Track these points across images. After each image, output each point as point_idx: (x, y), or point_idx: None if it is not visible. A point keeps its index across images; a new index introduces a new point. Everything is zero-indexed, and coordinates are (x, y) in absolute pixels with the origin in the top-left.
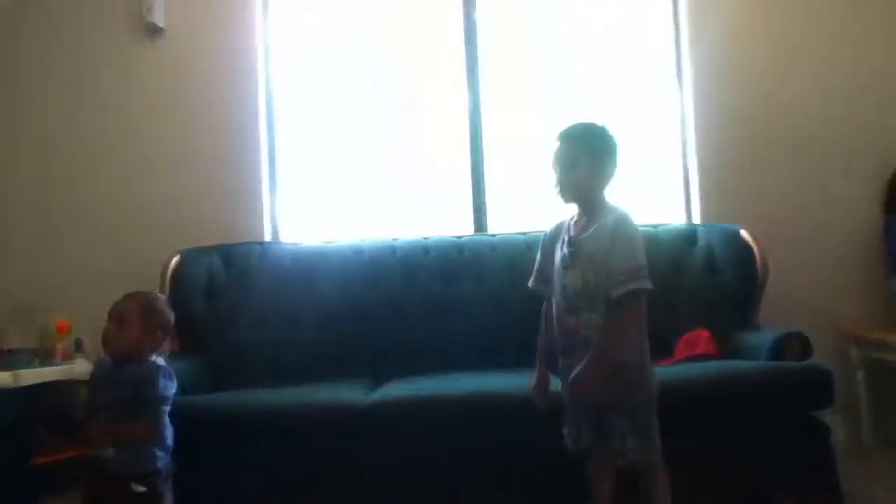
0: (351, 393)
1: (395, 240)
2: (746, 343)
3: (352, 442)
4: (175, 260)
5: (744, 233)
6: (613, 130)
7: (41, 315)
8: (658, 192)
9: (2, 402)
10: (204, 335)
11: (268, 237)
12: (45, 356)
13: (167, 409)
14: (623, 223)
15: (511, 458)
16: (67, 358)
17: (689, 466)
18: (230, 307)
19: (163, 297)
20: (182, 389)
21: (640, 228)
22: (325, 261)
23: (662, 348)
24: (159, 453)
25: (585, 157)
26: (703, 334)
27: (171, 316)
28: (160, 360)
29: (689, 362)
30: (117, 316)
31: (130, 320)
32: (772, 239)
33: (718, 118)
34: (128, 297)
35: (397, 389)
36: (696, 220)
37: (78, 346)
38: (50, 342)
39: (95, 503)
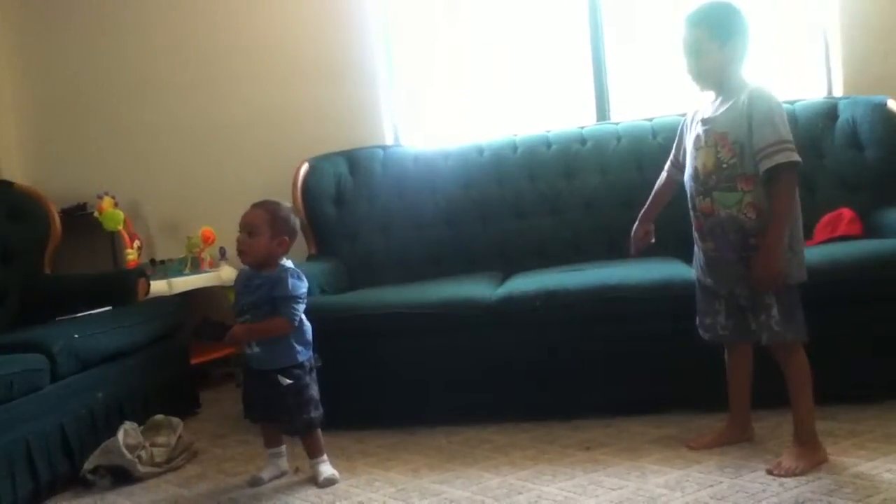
0: (478, 289)
1: (515, 136)
2: (893, 221)
3: (481, 337)
4: (304, 168)
5: (892, 103)
6: (739, 5)
7: (187, 226)
8: (795, 64)
9: (159, 308)
10: (335, 239)
11: (390, 142)
12: (193, 265)
13: (301, 306)
14: (759, 97)
15: (636, 348)
16: (214, 265)
17: (832, 353)
18: (358, 211)
19: (287, 205)
20: (320, 290)
21: (779, 100)
22: (448, 161)
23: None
24: (299, 347)
25: (710, 40)
26: (846, 214)
27: (297, 222)
28: (289, 263)
29: (832, 243)
30: (247, 226)
31: (259, 229)
32: None
33: None
34: (255, 207)
35: (524, 284)
36: (838, 92)
37: (222, 254)
38: (197, 251)
39: (252, 396)
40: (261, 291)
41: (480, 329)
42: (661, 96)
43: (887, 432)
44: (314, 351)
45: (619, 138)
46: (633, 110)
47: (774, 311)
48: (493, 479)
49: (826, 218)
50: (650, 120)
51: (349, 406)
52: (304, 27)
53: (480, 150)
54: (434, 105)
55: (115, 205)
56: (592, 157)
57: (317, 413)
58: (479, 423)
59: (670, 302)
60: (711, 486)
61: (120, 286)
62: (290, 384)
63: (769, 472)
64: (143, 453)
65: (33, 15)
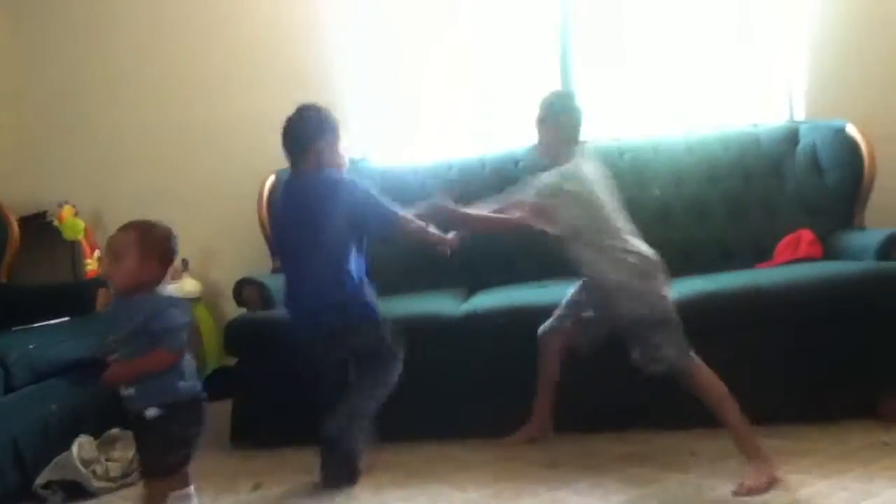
0: (442, 305)
1: (484, 154)
2: (851, 244)
3: (445, 352)
4: (270, 181)
5: (850, 128)
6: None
7: None
8: (758, 88)
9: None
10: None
11: (357, 157)
12: None
13: (184, 336)
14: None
15: (599, 365)
16: (175, 277)
17: (792, 371)
18: None
19: (164, 226)
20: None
21: (568, 178)
22: (416, 177)
23: (762, 252)
24: (180, 383)
25: (540, 122)
26: (806, 236)
27: (172, 244)
28: (166, 291)
29: (792, 265)
30: (111, 250)
31: (125, 254)
32: (880, 135)
33: (824, 3)
34: (122, 229)
35: (488, 300)
36: (799, 117)
37: (184, 266)
38: None
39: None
40: (134, 323)
41: (444, 344)
42: (629, 117)
43: (845, 450)
44: (203, 388)
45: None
46: (601, 130)
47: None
48: (457, 497)
49: (786, 240)
50: (617, 140)
51: (312, 422)
52: (273, 38)
53: (449, 167)
54: (403, 121)
55: (76, 214)
56: None
57: (176, 457)
58: (443, 439)
59: None
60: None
61: (79, 296)
62: (158, 417)
63: (735, 494)
64: (98, 468)
65: None
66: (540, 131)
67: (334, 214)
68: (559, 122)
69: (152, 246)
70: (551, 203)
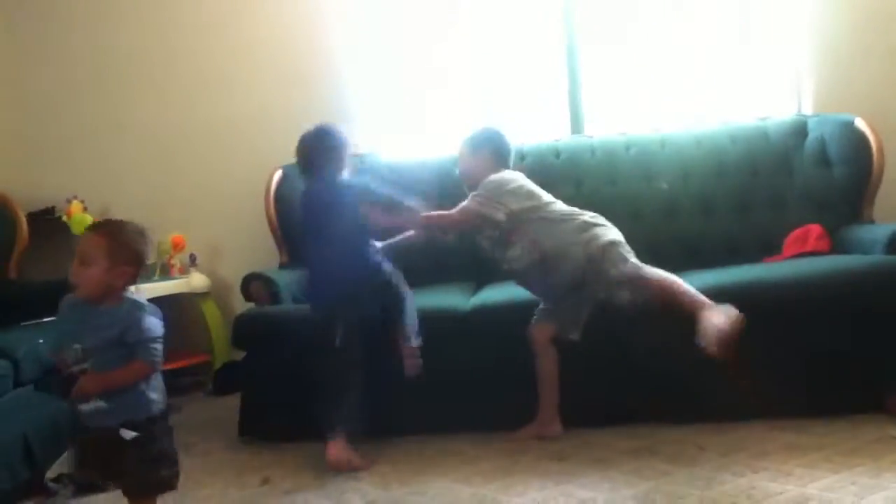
0: (451, 299)
1: None
2: (860, 238)
3: (453, 347)
4: (277, 175)
5: (859, 122)
6: (493, 129)
7: (157, 232)
8: (766, 82)
9: None
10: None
11: (365, 151)
12: (163, 271)
13: (160, 346)
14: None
15: (608, 359)
16: (184, 272)
17: (800, 365)
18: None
19: (133, 226)
20: (292, 299)
21: (507, 182)
22: (423, 172)
23: (770, 246)
24: (153, 396)
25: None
26: (814, 230)
27: (143, 245)
28: (138, 296)
29: (801, 259)
30: (80, 253)
31: (93, 257)
32: (889, 128)
33: None
34: (91, 230)
35: (496, 294)
36: (808, 110)
37: (192, 261)
38: (167, 258)
39: (90, 460)
40: (107, 333)
41: (453, 339)
42: (635, 111)
43: (852, 446)
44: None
45: (593, 151)
46: (608, 124)
47: None
48: (465, 491)
49: (795, 234)
50: (624, 134)
51: (318, 416)
52: (280, 33)
53: (456, 161)
54: (409, 115)
55: (84, 209)
56: (567, 170)
57: (169, 471)
58: (451, 433)
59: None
60: (682, 497)
61: None
62: (137, 437)
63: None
64: None
65: (2, 21)
66: (468, 163)
67: (348, 213)
68: (491, 154)
69: (122, 249)
70: (496, 199)
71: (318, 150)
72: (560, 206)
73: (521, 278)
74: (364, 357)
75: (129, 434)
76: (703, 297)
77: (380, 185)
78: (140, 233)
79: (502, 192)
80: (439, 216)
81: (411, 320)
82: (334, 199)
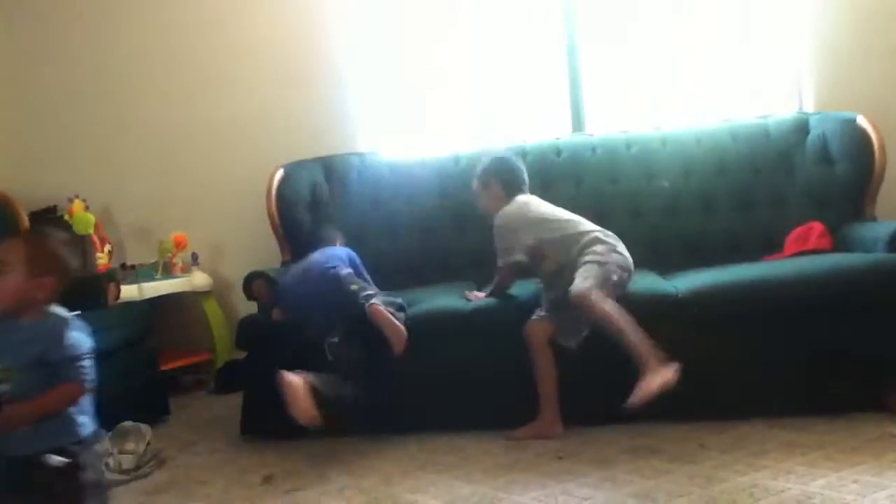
0: (451, 299)
1: (491, 148)
2: (861, 236)
3: (453, 346)
4: (279, 174)
5: (861, 120)
6: (498, 159)
7: (159, 231)
8: (768, 79)
9: (129, 312)
10: (309, 246)
11: (365, 150)
12: (165, 270)
13: (90, 363)
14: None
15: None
16: (185, 271)
17: (801, 363)
18: (333, 218)
19: (57, 235)
20: None
21: (504, 222)
22: (424, 171)
23: (771, 244)
24: (81, 419)
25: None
26: (816, 228)
27: (66, 256)
28: (62, 311)
29: (802, 257)
30: None
31: (10, 266)
32: (891, 126)
33: None
34: (11, 239)
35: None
36: (809, 108)
37: (194, 259)
38: (169, 256)
39: (5, 492)
40: (27, 351)
41: (453, 338)
42: (636, 109)
43: (853, 444)
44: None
45: (593, 149)
46: (608, 122)
47: None
48: (466, 488)
49: (797, 231)
50: (625, 132)
51: (320, 414)
52: (279, 32)
53: (456, 160)
54: (411, 114)
55: (86, 208)
56: (567, 168)
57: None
58: (452, 431)
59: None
60: (682, 496)
61: (90, 290)
62: (66, 464)
63: (632, 402)
64: (110, 460)
65: (4, 20)
66: (483, 199)
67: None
68: (500, 186)
69: (44, 259)
70: (509, 244)
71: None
72: (574, 223)
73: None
74: (363, 360)
75: (56, 460)
76: (649, 354)
77: None
78: (64, 242)
79: (511, 235)
80: (497, 288)
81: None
82: (325, 264)
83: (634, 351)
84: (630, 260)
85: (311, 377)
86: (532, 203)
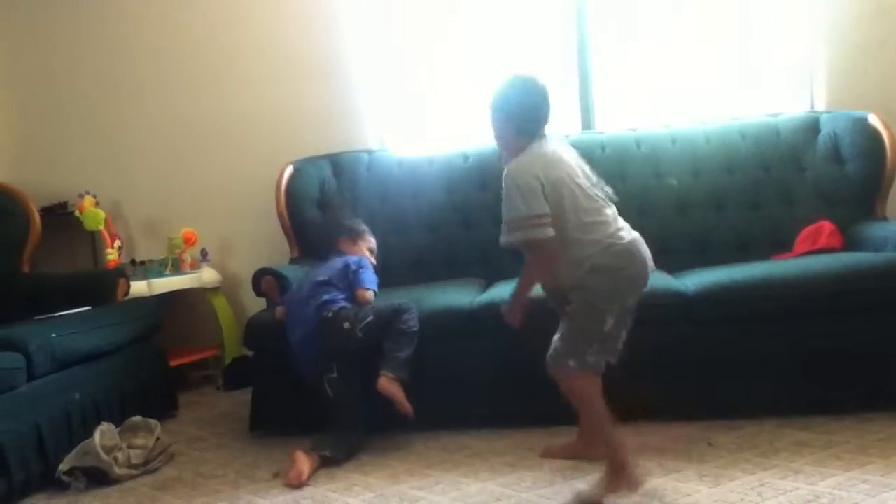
0: (459, 296)
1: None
2: (871, 235)
3: (461, 343)
4: (288, 171)
5: (872, 118)
6: (515, 82)
7: (168, 227)
8: (779, 77)
9: (139, 308)
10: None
11: (375, 146)
12: (174, 266)
13: None
14: (505, 177)
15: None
16: (195, 267)
17: (810, 363)
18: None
19: None
20: None
21: (523, 179)
22: (432, 167)
23: (781, 243)
24: None
25: (491, 115)
26: (826, 227)
27: None
28: None
29: (812, 256)
30: None
31: None
32: None
33: None
34: None
35: (506, 291)
36: (820, 107)
37: (203, 256)
38: (178, 253)
39: None
40: None
41: (461, 335)
42: (646, 107)
43: (862, 443)
44: None
45: (603, 147)
46: (618, 120)
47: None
48: (473, 485)
49: (806, 230)
50: (634, 130)
51: (327, 411)
52: (289, 28)
53: (465, 157)
54: (420, 111)
55: (97, 204)
56: None
57: None
58: (458, 428)
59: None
60: (689, 494)
61: (99, 286)
62: None
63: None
64: (119, 455)
65: (15, 16)
66: (494, 131)
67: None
68: (507, 121)
69: None
70: (527, 220)
71: (326, 239)
72: (591, 224)
73: None
74: (361, 393)
75: None
76: (620, 451)
77: None
78: None
79: (525, 206)
80: (526, 283)
81: (392, 353)
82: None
83: (609, 453)
84: (647, 265)
85: (320, 451)
86: (549, 151)
